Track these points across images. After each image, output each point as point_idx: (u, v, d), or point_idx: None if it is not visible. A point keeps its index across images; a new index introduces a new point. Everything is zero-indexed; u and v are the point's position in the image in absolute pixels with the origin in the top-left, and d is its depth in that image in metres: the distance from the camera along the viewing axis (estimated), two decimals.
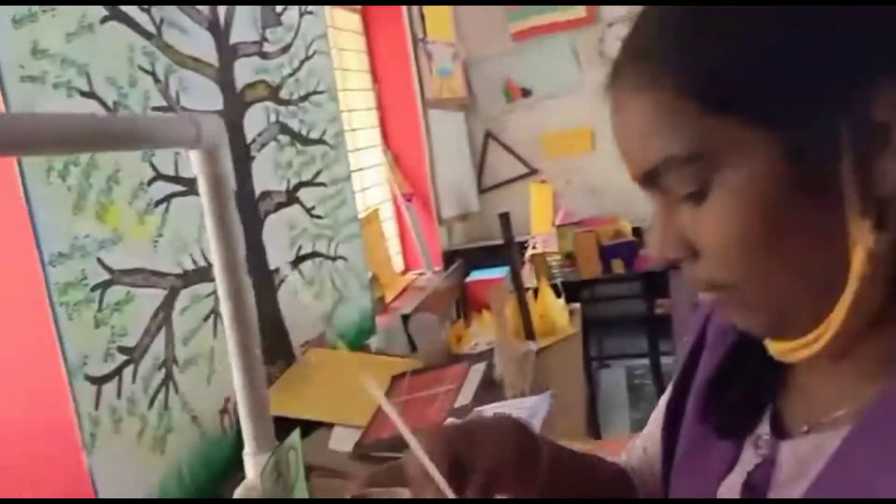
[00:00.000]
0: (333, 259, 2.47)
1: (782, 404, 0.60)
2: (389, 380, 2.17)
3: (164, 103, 1.65)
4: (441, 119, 4.08)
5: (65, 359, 1.30)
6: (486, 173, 4.80)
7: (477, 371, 2.11)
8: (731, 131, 0.48)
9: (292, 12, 2.34)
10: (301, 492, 1.10)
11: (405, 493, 0.73)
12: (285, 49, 2.27)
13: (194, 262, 1.67)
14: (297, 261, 2.24)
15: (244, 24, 2.05)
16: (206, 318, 1.69)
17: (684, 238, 0.52)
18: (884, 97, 0.46)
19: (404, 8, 3.70)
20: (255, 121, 2.07)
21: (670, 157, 0.50)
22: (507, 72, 4.64)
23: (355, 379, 2.23)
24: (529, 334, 2.55)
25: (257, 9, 2.13)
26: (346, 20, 3.41)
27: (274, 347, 2.07)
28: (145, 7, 1.61)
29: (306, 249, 2.30)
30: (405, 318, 2.67)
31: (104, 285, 1.41)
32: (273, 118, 2.17)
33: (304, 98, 2.37)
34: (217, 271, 0.97)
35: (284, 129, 2.23)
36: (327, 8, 2.91)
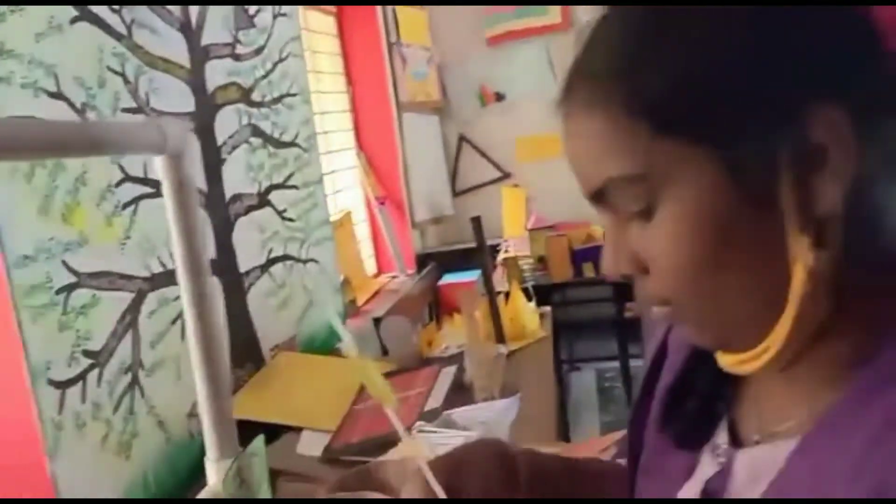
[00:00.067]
0: (305, 262, 2.46)
1: (737, 414, 0.61)
2: (360, 384, 2.17)
3: (134, 105, 1.64)
4: (415, 122, 4.08)
5: (28, 363, 1.28)
6: (460, 177, 4.81)
7: (447, 374, 2.11)
8: (676, 152, 0.49)
9: (266, 14, 2.33)
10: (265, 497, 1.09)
11: (375, 497, 0.75)
12: (258, 51, 2.27)
13: (162, 264, 1.65)
14: (268, 264, 2.23)
15: (216, 25, 2.04)
16: (173, 322, 1.68)
17: (634, 254, 0.54)
18: (821, 119, 0.47)
19: (379, 11, 3.70)
20: (226, 123, 2.06)
21: (617, 177, 0.51)
22: (482, 76, 4.65)
23: (325, 383, 2.23)
24: (500, 338, 2.56)
25: (230, 10, 2.12)
26: (321, 22, 3.40)
27: (243, 351, 2.06)
28: (116, 8, 1.60)
29: (277, 252, 2.29)
30: (377, 321, 2.67)
31: (69, 288, 1.39)
32: (245, 120, 2.16)
33: (277, 100, 2.36)
34: (180, 277, 0.97)
35: (256, 131, 2.22)
36: (301, 10, 2.90)
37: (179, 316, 1.70)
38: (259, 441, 1.09)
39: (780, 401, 0.56)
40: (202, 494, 0.99)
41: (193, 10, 1.93)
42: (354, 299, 2.95)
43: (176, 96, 1.83)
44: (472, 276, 3.00)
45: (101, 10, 1.55)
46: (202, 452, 1.01)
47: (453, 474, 0.72)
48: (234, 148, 2.09)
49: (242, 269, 2.08)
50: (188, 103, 1.88)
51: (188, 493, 1.60)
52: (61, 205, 1.39)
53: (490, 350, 2.33)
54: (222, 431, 1.02)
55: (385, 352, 2.51)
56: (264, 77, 2.28)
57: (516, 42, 4.51)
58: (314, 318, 2.48)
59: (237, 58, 2.14)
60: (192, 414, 1.71)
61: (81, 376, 1.40)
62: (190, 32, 1.91)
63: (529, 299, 2.77)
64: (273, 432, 1.89)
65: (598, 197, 0.54)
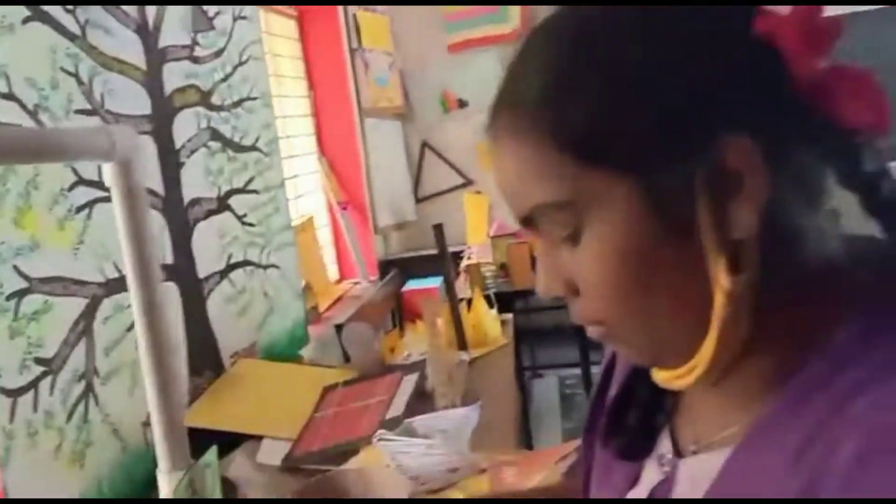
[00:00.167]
0: (265, 268, 2.43)
1: (677, 424, 0.63)
2: (321, 391, 2.14)
3: (88, 106, 1.61)
4: (377, 128, 4.07)
5: None
6: (423, 183, 4.80)
7: (409, 382, 2.10)
8: (597, 180, 0.51)
9: (225, 17, 2.30)
10: None
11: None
12: (218, 53, 2.24)
13: (118, 270, 1.62)
14: (228, 269, 2.20)
15: (174, 27, 2.01)
16: (129, 329, 1.64)
17: (566, 277, 0.55)
18: (734, 147, 0.49)
19: (340, 15, 3.68)
20: (185, 126, 2.02)
21: (542, 204, 0.53)
22: (444, 82, 4.66)
23: (285, 390, 2.21)
24: (462, 345, 2.56)
25: (188, 12, 2.09)
26: (282, 26, 3.38)
27: (202, 358, 2.03)
28: (69, 8, 1.57)
29: (237, 258, 2.26)
30: (338, 327, 2.65)
31: (20, 294, 1.36)
32: (204, 124, 2.13)
33: (237, 104, 2.33)
34: (131, 285, 0.96)
35: (216, 134, 2.19)
36: (262, 13, 2.88)
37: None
38: (212, 452, 1.07)
39: (715, 412, 0.57)
40: None
41: (150, 11, 1.89)
42: (316, 305, 2.93)
43: (132, 98, 1.79)
44: (435, 282, 3.00)
45: (55, 10, 1.52)
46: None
47: None
48: (192, 152, 2.05)
49: (201, 275, 2.05)
50: (144, 106, 1.85)
51: None
52: (12, 208, 1.36)
53: (452, 357, 2.32)
54: (174, 442, 1.01)
55: (347, 359, 2.49)
56: (224, 80, 2.26)
57: (477, 49, 4.53)
58: (275, 325, 2.45)
59: (196, 60, 2.11)
60: (148, 423, 1.66)
61: (33, 384, 1.37)
62: (146, 34, 1.87)
63: (491, 306, 2.78)
64: (232, 441, 1.86)
65: (527, 222, 0.56)
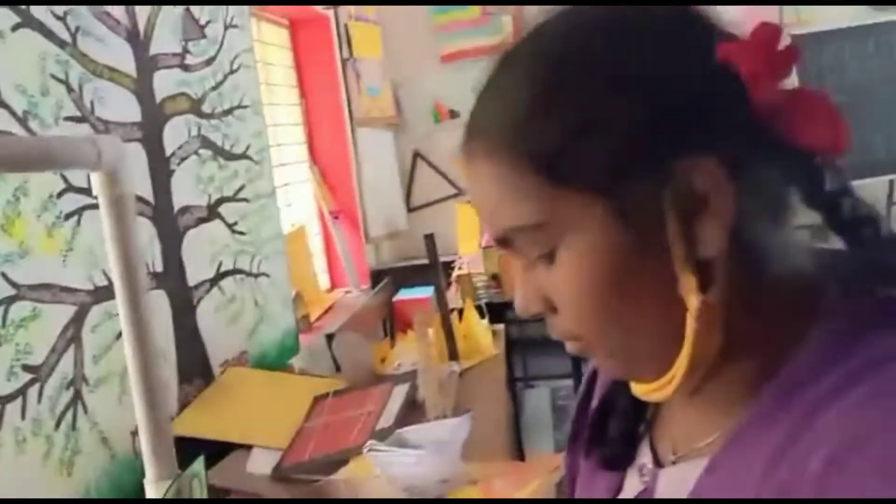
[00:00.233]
0: (256, 276, 2.43)
1: (657, 435, 0.65)
2: (311, 400, 2.13)
3: (78, 113, 1.60)
4: (370, 137, 4.07)
5: None
6: (415, 193, 4.81)
7: (400, 392, 2.09)
8: (570, 201, 0.52)
9: (217, 25, 2.31)
10: None
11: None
12: (209, 62, 2.24)
13: (106, 277, 1.61)
14: (218, 277, 2.19)
15: (165, 35, 2.01)
16: (118, 337, 1.63)
17: (542, 294, 0.57)
18: (701, 168, 0.50)
19: (332, 24, 3.69)
20: (175, 134, 2.02)
21: (517, 226, 0.54)
22: (436, 93, 4.67)
23: (275, 399, 2.19)
24: (453, 355, 2.55)
25: (179, 20, 2.09)
26: (274, 35, 3.38)
27: (192, 366, 2.02)
28: (60, 15, 1.56)
29: (227, 266, 2.25)
30: (329, 337, 2.64)
31: (8, 301, 1.35)
32: (194, 131, 2.13)
33: (228, 112, 2.33)
34: (118, 294, 0.96)
35: (206, 142, 2.18)
36: (254, 21, 2.88)
37: None
38: (199, 462, 1.07)
39: (692, 423, 0.59)
40: None
41: (141, 18, 1.89)
42: (307, 314, 2.92)
43: (122, 106, 1.79)
44: (427, 292, 2.99)
45: (45, 17, 1.52)
46: None
47: None
48: (183, 159, 2.05)
49: (191, 283, 2.04)
50: (135, 113, 1.85)
51: None
52: (0, 215, 1.35)
53: (443, 368, 2.32)
54: (161, 451, 1.00)
55: (338, 368, 2.48)
56: (215, 88, 2.26)
57: (469, 61, 4.54)
58: (265, 334, 2.44)
59: (186, 68, 2.11)
60: (137, 431, 1.66)
61: (21, 391, 1.36)
62: (137, 41, 1.87)
63: (483, 316, 2.77)
64: (222, 450, 1.85)
65: (504, 242, 0.57)
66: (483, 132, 0.56)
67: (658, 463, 0.62)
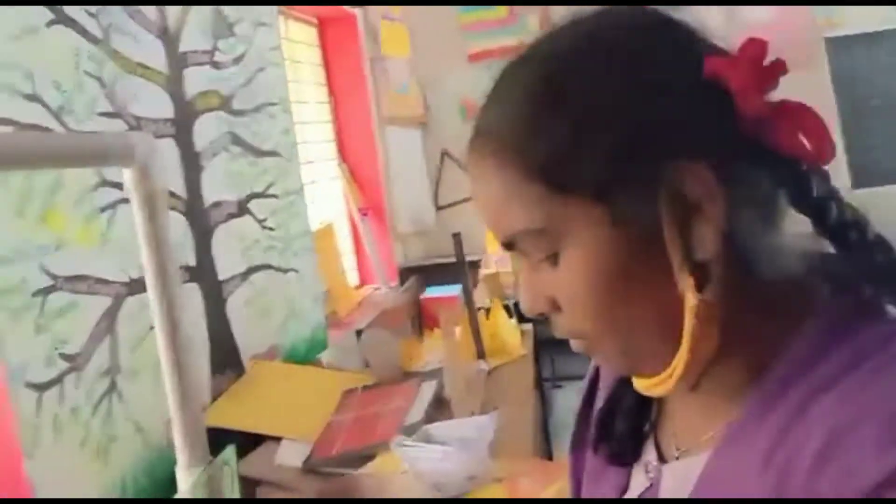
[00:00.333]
0: (285, 272, 2.45)
1: (661, 432, 0.67)
2: (340, 395, 2.15)
3: (111, 109, 1.63)
4: (398, 136, 4.09)
5: (5, 363, 1.27)
6: (443, 191, 4.82)
7: (428, 389, 2.10)
8: (570, 208, 0.55)
9: (246, 23, 2.33)
10: None
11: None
12: (238, 59, 2.26)
13: (141, 270, 1.63)
14: (248, 272, 2.21)
15: (195, 33, 2.04)
16: (153, 328, 1.66)
17: (547, 294, 0.59)
18: (693, 174, 0.53)
19: (360, 23, 3.71)
20: (206, 130, 2.05)
21: (521, 231, 0.57)
22: (463, 92, 4.68)
23: (304, 393, 2.21)
24: (480, 354, 2.55)
25: (209, 18, 2.12)
26: (302, 33, 3.41)
27: (223, 358, 2.04)
28: (93, 12, 1.59)
29: (257, 261, 2.27)
30: (358, 333, 2.65)
31: (46, 291, 1.38)
32: (224, 128, 2.15)
33: (257, 109, 2.35)
34: (150, 287, 0.98)
35: (236, 139, 2.21)
36: (282, 20, 2.91)
37: None
38: (230, 450, 1.08)
39: (694, 418, 0.62)
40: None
41: (172, 16, 1.92)
42: (336, 311, 2.94)
43: (154, 102, 1.82)
44: (455, 290, 2.99)
45: (78, 15, 1.55)
46: None
47: None
48: (213, 155, 2.08)
49: (221, 277, 2.07)
50: (167, 109, 1.88)
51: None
52: (38, 207, 1.38)
53: (470, 366, 2.32)
54: (193, 439, 1.01)
55: (366, 364, 2.49)
56: (244, 85, 2.28)
57: (496, 60, 4.54)
58: (295, 329, 2.46)
59: (216, 65, 2.14)
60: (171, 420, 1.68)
61: (59, 379, 1.39)
62: (168, 39, 1.90)
63: (511, 316, 2.77)
64: (252, 441, 1.87)
65: (509, 245, 0.59)
66: (486, 142, 0.59)
67: (662, 459, 0.65)
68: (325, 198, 3.38)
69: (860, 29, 4.34)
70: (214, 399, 1.95)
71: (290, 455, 1.86)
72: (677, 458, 0.63)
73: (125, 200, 1.61)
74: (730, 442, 0.55)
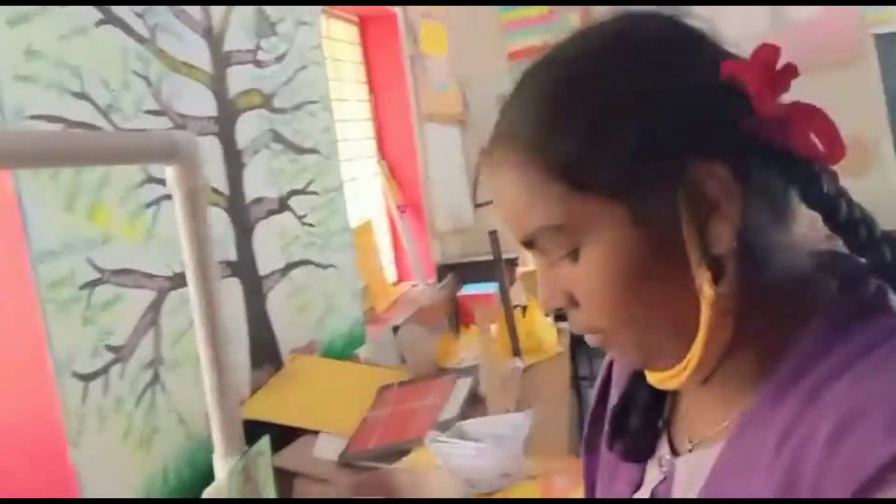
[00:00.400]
0: (324, 267, 2.48)
1: (674, 426, 0.69)
2: (377, 390, 2.17)
3: (157, 107, 1.67)
4: (436, 133, 4.10)
5: (52, 355, 1.31)
6: (481, 189, 4.78)
7: (463, 385, 2.11)
8: (592, 206, 0.57)
9: (288, 23, 2.37)
10: (270, 496, 1.11)
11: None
12: (280, 58, 2.30)
13: (183, 264, 1.67)
14: (288, 268, 2.25)
15: (239, 32, 2.07)
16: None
17: (565, 290, 0.61)
18: (710, 172, 0.55)
19: (401, 21, 3.73)
20: (247, 128, 2.09)
21: (542, 227, 0.59)
22: (503, 89, 4.60)
23: (341, 387, 2.23)
24: (516, 351, 2.55)
25: (252, 17, 2.16)
26: (343, 31, 3.44)
27: (262, 352, 2.08)
28: (139, 13, 1.63)
29: (297, 257, 2.31)
30: (395, 329, 2.67)
31: (92, 284, 1.42)
32: (266, 126, 2.19)
33: (298, 107, 2.39)
34: (190, 283, 1.01)
35: (277, 136, 2.24)
36: (324, 18, 2.94)
37: None
38: (265, 441, 1.11)
39: (706, 411, 0.64)
40: (209, 489, 1.01)
41: (216, 16, 1.96)
42: (374, 307, 2.96)
43: (198, 100, 1.86)
44: (492, 288, 3.00)
45: (126, 15, 1.59)
46: None
47: None
48: (255, 152, 2.11)
49: (262, 272, 2.10)
50: (210, 107, 1.91)
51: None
52: (86, 203, 1.42)
53: (506, 364, 2.33)
54: (229, 429, 1.04)
55: (402, 360, 2.51)
56: (285, 84, 2.31)
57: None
58: (333, 324, 2.49)
59: (259, 64, 2.17)
60: None
61: (104, 370, 1.43)
62: (212, 38, 1.94)
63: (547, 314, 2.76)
64: (290, 434, 1.90)
65: (529, 243, 0.61)
66: (509, 141, 0.61)
67: (675, 452, 0.66)
68: (365, 195, 3.41)
69: None
70: (254, 392, 1.99)
71: (327, 448, 1.89)
72: (690, 451, 0.64)
73: (169, 197, 1.64)
74: (743, 431, 0.57)
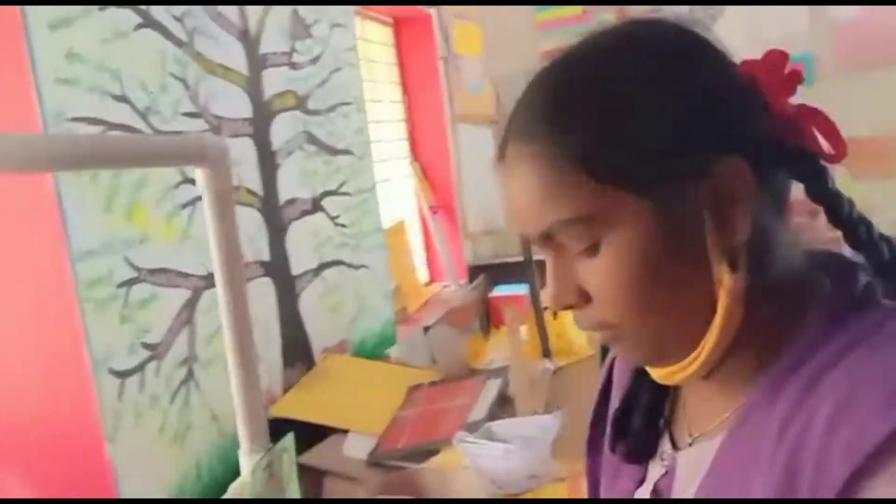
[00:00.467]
0: (357, 268, 2.50)
1: (674, 422, 0.71)
2: (406, 390, 2.19)
3: (194, 109, 1.70)
4: (470, 134, 4.10)
5: (90, 352, 1.34)
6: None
7: (493, 386, 2.12)
8: (614, 198, 0.58)
9: (322, 25, 2.39)
10: (294, 493, 1.13)
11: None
12: (314, 60, 2.32)
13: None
14: (320, 268, 2.27)
15: (274, 34, 2.10)
16: None
17: (578, 286, 0.61)
18: (730, 165, 0.57)
19: (435, 23, 3.74)
20: (282, 129, 2.11)
21: (562, 220, 0.59)
22: None
23: (372, 387, 2.25)
24: (546, 353, 2.55)
25: (287, 20, 2.18)
26: (377, 32, 3.46)
27: (294, 351, 2.10)
28: (178, 16, 1.66)
29: (329, 257, 2.33)
30: (426, 329, 2.69)
31: (130, 283, 1.45)
32: (300, 127, 2.21)
33: (332, 109, 2.41)
34: (218, 284, 1.02)
35: (311, 138, 2.27)
36: (359, 20, 2.96)
37: None
38: (289, 438, 1.12)
39: (706, 404, 0.65)
40: (234, 485, 1.02)
41: (252, 19, 1.99)
42: (405, 307, 2.98)
43: (234, 102, 1.89)
44: (523, 289, 3.00)
45: (164, 18, 1.62)
46: None
47: None
48: (289, 154, 2.14)
49: (295, 272, 2.12)
50: (246, 109, 1.94)
51: None
52: (124, 203, 1.45)
53: (535, 365, 2.33)
54: (254, 426, 1.06)
55: (433, 360, 2.52)
56: (320, 86, 2.34)
57: None
58: (365, 324, 2.51)
59: (293, 66, 2.20)
60: None
61: (140, 367, 1.46)
62: (248, 41, 1.97)
63: None
64: (320, 433, 1.92)
65: (546, 238, 0.61)
66: (527, 137, 0.61)
67: (676, 447, 0.68)
68: (397, 196, 3.43)
69: None
70: (286, 391, 2.01)
71: (356, 447, 1.91)
72: (691, 445, 0.66)
73: None
74: (744, 421, 0.59)
